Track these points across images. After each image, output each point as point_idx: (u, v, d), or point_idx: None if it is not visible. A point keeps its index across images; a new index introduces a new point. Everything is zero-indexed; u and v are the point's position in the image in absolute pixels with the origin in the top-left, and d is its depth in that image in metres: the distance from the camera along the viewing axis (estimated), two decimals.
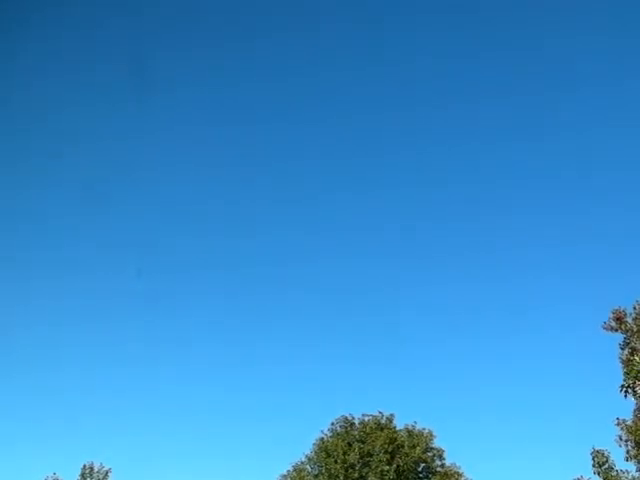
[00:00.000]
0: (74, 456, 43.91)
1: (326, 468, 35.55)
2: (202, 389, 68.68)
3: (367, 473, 34.78)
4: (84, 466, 37.11)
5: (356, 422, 37.33)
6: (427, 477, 36.24)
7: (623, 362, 25.04)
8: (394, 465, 34.62)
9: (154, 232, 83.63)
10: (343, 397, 62.52)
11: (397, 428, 36.83)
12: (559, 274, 77.90)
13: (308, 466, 36.89)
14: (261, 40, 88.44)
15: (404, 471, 34.89)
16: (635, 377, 23.40)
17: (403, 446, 35.49)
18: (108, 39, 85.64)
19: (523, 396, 62.49)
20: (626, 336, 25.45)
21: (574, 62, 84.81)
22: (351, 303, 79.78)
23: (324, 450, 36.24)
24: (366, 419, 37.26)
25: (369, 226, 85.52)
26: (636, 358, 23.70)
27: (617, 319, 25.64)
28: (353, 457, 35.12)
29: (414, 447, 35.54)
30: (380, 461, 34.68)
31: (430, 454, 36.46)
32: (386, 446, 35.10)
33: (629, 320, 25.61)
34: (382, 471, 34.47)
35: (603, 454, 27.00)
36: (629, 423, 26.10)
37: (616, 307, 26.02)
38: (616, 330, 25.62)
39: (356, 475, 34.87)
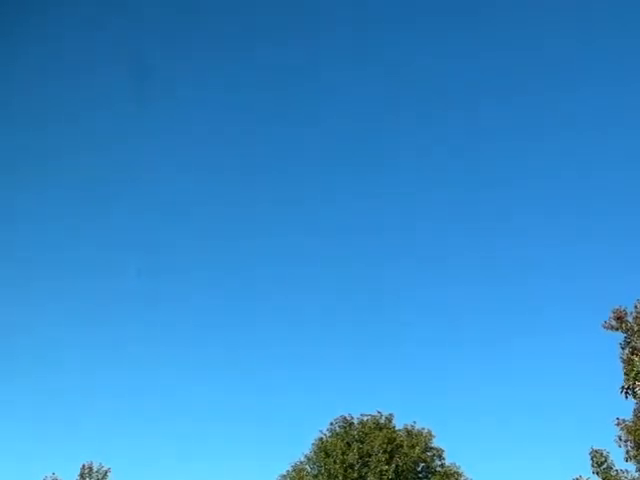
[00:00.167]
0: (73, 456, 43.91)
1: (325, 468, 35.49)
2: (201, 389, 68.60)
3: (366, 473, 34.70)
4: (83, 466, 37.00)
5: (355, 422, 37.26)
6: (426, 477, 36.16)
7: (624, 362, 24.95)
8: (393, 465, 34.54)
9: (154, 233, 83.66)
10: (342, 397, 62.53)
11: (396, 428, 36.78)
12: (559, 274, 77.93)
13: (307, 466, 36.85)
14: (261, 42, 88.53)
15: (403, 471, 34.80)
16: (635, 378, 23.31)
17: (402, 446, 35.41)
18: (109, 41, 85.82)
19: (523, 396, 62.47)
20: (627, 335, 25.34)
21: (574, 62, 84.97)
22: (351, 304, 79.77)
23: (323, 450, 36.19)
24: (365, 419, 37.19)
25: (369, 228, 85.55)
26: (636, 358, 23.61)
27: (618, 318, 25.51)
28: (352, 457, 35.04)
29: (413, 447, 35.46)
30: (379, 461, 34.59)
31: (429, 454, 36.38)
32: (385, 446, 35.02)
33: (630, 319, 25.50)
34: (381, 471, 34.39)
35: (602, 454, 26.93)
36: (629, 423, 25.98)
37: (617, 306, 25.92)
38: (617, 329, 25.51)
39: (355, 475, 34.80)
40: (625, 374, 24.51)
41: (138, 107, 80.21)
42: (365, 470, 34.84)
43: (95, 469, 36.84)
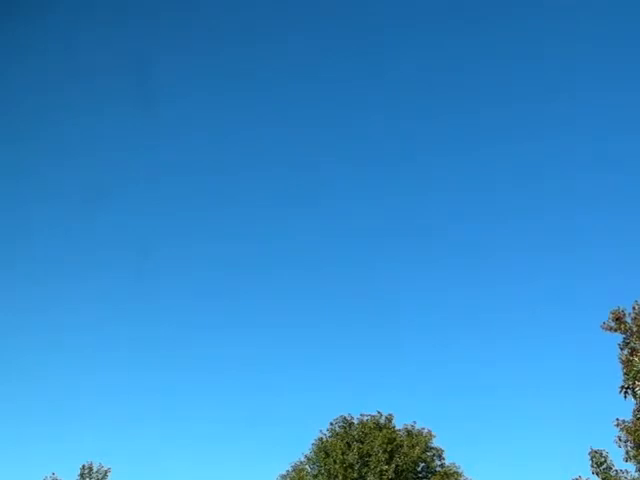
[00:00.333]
0: (73, 456, 44.00)
1: (325, 468, 35.50)
2: (201, 389, 68.73)
3: (366, 473, 34.71)
4: (83, 466, 37.03)
5: (355, 422, 37.26)
6: (426, 477, 36.14)
7: (622, 362, 24.94)
8: (393, 465, 34.54)
9: (156, 234, 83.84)
10: (342, 397, 62.58)
11: (396, 428, 36.78)
12: (559, 275, 78.06)
13: (307, 466, 36.86)
14: (263, 45, 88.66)
15: (403, 471, 34.80)
16: (634, 378, 23.30)
17: (402, 446, 35.41)
18: (112, 44, 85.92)
19: (522, 396, 62.58)
20: (625, 336, 25.32)
21: (573, 69, 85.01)
22: (351, 305, 79.85)
23: (323, 450, 36.20)
24: (365, 419, 37.19)
25: (369, 230, 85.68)
26: (635, 359, 23.60)
27: (616, 319, 25.51)
28: (352, 457, 35.05)
29: (413, 447, 35.45)
30: (379, 461, 34.60)
31: (429, 454, 36.37)
32: (385, 446, 35.02)
33: (628, 320, 25.49)
34: (381, 471, 34.39)
35: (601, 454, 26.93)
36: (628, 424, 25.98)
37: (615, 307, 25.91)
38: (615, 330, 25.50)
39: (355, 475, 34.80)
40: (625, 374, 24.50)
41: (141, 109, 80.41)
42: (365, 470, 34.84)
43: (95, 469, 36.86)
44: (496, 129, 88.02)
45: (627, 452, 25.93)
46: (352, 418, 37.39)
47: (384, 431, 36.01)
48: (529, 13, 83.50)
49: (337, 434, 36.64)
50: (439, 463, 36.56)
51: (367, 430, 36.28)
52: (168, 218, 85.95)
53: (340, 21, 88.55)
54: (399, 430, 36.64)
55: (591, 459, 27.09)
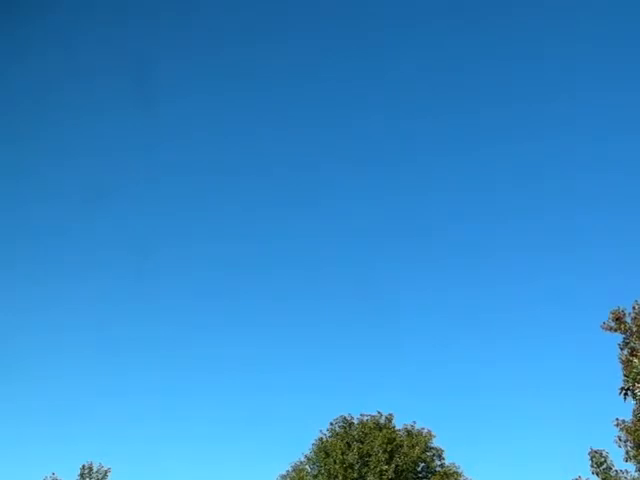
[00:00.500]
0: (73, 456, 44.01)
1: (325, 468, 35.47)
2: (201, 389, 68.71)
3: (366, 473, 34.69)
4: (83, 466, 36.99)
5: (355, 422, 37.24)
6: (426, 477, 36.12)
7: (622, 363, 24.93)
8: (393, 465, 34.53)
9: (157, 234, 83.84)
10: (342, 397, 62.59)
11: (396, 428, 36.74)
12: (559, 275, 78.02)
13: (307, 466, 36.83)
14: (263, 45, 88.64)
15: (403, 471, 34.79)
16: (634, 380, 23.28)
17: (402, 446, 35.39)
18: (112, 45, 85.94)
19: (522, 396, 62.56)
20: (625, 336, 25.32)
21: (573, 69, 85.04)
22: (351, 305, 79.85)
23: (323, 450, 36.18)
24: (365, 419, 37.16)
25: (369, 230, 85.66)
26: (635, 360, 23.58)
27: (616, 319, 25.50)
28: (352, 457, 35.04)
29: (413, 447, 35.43)
30: (379, 461, 34.59)
31: (429, 454, 36.35)
32: (385, 446, 35.01)
33: (628, 320, 25.49)
34: (381, 471, 34.38)
35: (601, 454, 26.97)
36: (628, 424, 25.99)
37: (615, 307, 25.90)
38: (615, 330, 25.49)
39: (355, 475, 34.79)
40: (625, 375, 24.47)
41: (141, 109, 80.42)
42: (365, 470, 34.83)
43: (95, 469, 36.84)
44: (496, 129, 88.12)
45: (627, 452, 25.97)
46: (352, 418, 37.39)
47: (384, 431, 35.99)
48: (529, 13, 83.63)
49: (337, 434, 36.62)
50: (439, 463, 36.54)
51: (367, 430, 36.26)
52: (168, 218, 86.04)
53: (340, 21, 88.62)
54: (399, 430, 36.62)
55: (591, 459, 27.14)
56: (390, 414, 37.35)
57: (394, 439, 35.64)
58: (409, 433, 36.50)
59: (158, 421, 64.16)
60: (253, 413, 63.30)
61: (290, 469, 37.05)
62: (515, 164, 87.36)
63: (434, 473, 35.92)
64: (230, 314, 79.44)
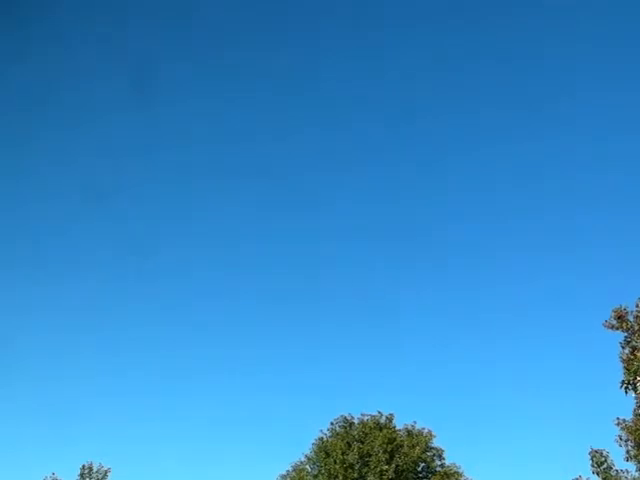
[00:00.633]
0: (73, 456, 43.96)
1: (325, 468, 35.44)
2: (201, 389, 68.66)
3: (366, 473, 34.66)
4: (83, 466, 36.94)
5: (355, 422, 37.23)
6: (426, 477, 36.10)
7: (623, 361, 24.86)
8: (393, 465, 34.50)
9: (157, 235, 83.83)
10: (342, 397, 62.56)
11: (396, 428, 36.74)
12: (559, 275, 78.01)
13: (307, 466, 36.81)
14: (263, 45, 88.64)
15: (403, 471, 34.76)
16: (635, 373, 23.22)
17: (402, 446, 35.37)
18: (110, 46, 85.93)
19: (522, 396, 62.53)
20: (627, 334, 25.24)
21: (573, 69, 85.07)
22: (351, 305, 79.80)
23: (323, 450, 36.15)
24: (365, 419, 37.14)
25: (369, 231, 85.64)
26: (638, 355, 23.52)
27: (618, 317, 25.41)
28: (352, 457, 35.00)
29: (413, 447, 35.41)
30: (379, 461, 34.56)
31: (429, 454, 36.34)
32: (385, 446, 34.98)
33: (630, 318, 25.39)
34: (381, 471, 34.35)
35: (602, 454, 26.86)
36: (629, 423, 25.90)
37: (617, 306, 25.80)
38: (617, 328, 25.41)
39: (355, 475, 34.76)
40: (626, 369, 24.41)
41: (141, 110, 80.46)
42: (365, 470, 34.79)
43: (95, 469, 36.79)
44: (496, 129, 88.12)
45: (628, 452, 25.86)
46: (353, 418, 37.37)
47: (384, 431, 35.96)
48: (529, 13, 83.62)
49: (337, 434, 36.59)
50: (439, 463, 36.53)
51: (367, 430, 36.24)
52: (168, 218, 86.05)
53: (340, 21, 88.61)
54: (399, 430, 36.60)
55: (591, 459, 27.02)
56: (391, 414, 37.38)
57: (394, 439, 35.62)
58: (409, 433, 36.47)
59: (158, 421, 64.21)
60: (253, 413, 63.34)
61: (290, 469, 37.06)
62: (515, 164, 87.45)
63: (434, 473, 35.89)
64: (230, 314, 79.42)
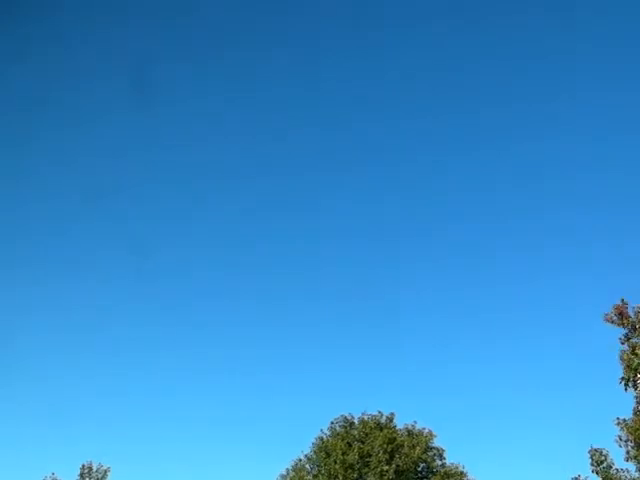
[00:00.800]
0: (73, 456, 43.92)
1: (325, 468, 35.34)
2: (201, 389, 68.67)
3: (366, 473, 34.61)
4: (83, 466, 36.91)
5: (356, 422, 37.14)
6: (427, 477, 36.03)
7: (623, 360, 24.85)
8: (393, 465, 34.42)
9: (157, 236, 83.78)
10: (343, 397, 62.53)
11: (397, 428, 36.63)
12: (559, 275, 77.96)
13: (307, 466, 36.73)
14: (263, 45, 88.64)
15: (404, 471, 34.68)
16: (635, 369, 23.22)
17: (403, 446, 35.27)
18: (109, 47, 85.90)
19: (523, 396, 62.53)
20: (627, 330, 25.21)
21: (573, 69, 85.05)
22: (351, 305, 79.78)
23: (323, 450, 36.08)
24: (366, 419, 37.05)
25: (369, 231, 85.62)
26: (638, 352, 23.50)
27: (619, 314, 25.38)
28: (352, 457, 34.92)
29: (414, 447, 35.32)
30: (379, 461, 34.48)
31: (430, 454, 36.25)
32: (385, 446, 34.90)
33: (631, 314, 25.35)
34: (382, 471, 34.28)
35: (601, 453, 26.83)
36: (629, 422, 25.89)
37: (618, 302, 25.75)
38: (618, 325, 25.37)
39: (355, 475, 34.69)
40: (626, 366, 24.39)
41: (140, 110, 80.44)
42: (365, 470, 34.73)
43: (95, 469, 36.77)
44: (496, 129, 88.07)
45: (628, 452, 25.85)
46: (353, 418, 37.28)
47: (385, 431, 35.89)
48: (529, 13, 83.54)
49: (338, 434, 36.51)
50: (440, 463, 36.44)
51: (368, 430, 36.16)
52: (168, 218, 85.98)
53: (340, 21, 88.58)
54: (400, 430, 36.52)
55: (591, 458, 27.00)
56: (391, 414, 37.30)
57: (395, 439, 35.54)
58: (410, 433, 36.40)
59: (158, 421, 64.17)
60: (253, 413, 63.35)
61: (290, 469, 36.96)
62: (515, 164, 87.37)
63: (435, 473, 35.82)
64: (230, 314, 79.39)
